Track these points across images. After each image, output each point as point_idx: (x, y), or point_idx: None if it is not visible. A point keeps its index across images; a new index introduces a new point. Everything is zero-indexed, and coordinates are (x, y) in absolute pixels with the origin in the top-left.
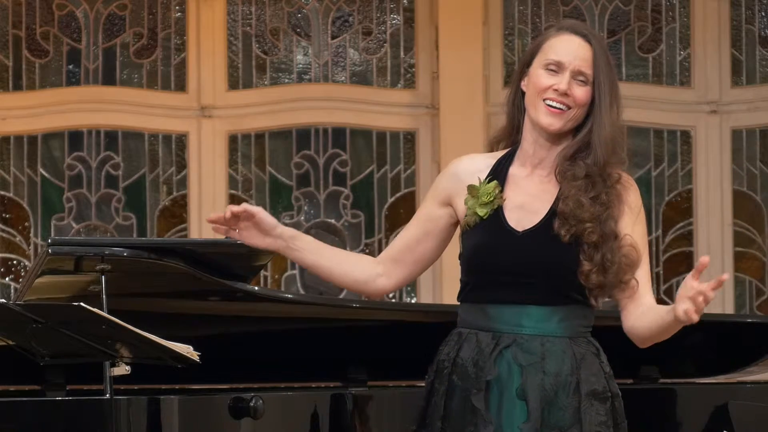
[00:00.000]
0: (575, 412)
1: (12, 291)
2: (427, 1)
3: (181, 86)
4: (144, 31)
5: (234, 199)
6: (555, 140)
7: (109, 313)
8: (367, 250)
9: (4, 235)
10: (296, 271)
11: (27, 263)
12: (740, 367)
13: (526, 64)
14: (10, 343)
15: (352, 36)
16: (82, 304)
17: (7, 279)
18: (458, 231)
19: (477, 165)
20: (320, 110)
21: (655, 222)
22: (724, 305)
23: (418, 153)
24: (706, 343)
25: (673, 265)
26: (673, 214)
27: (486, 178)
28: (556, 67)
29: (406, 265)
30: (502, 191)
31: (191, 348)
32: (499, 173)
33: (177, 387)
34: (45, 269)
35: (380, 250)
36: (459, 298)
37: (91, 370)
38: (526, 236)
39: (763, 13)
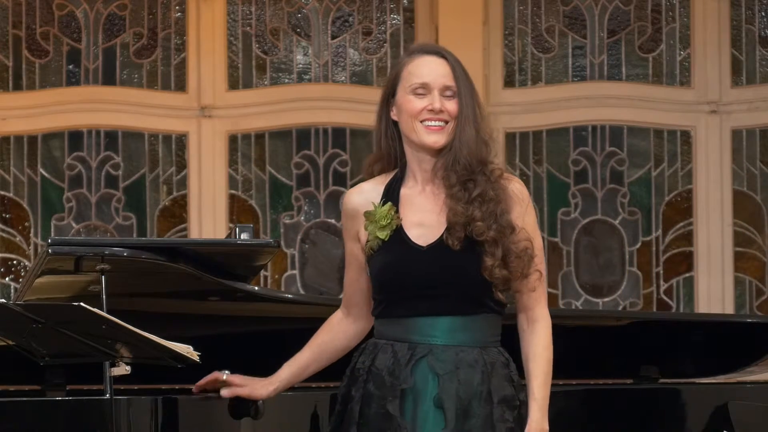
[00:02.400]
0: (487, 419)
1: (12, 291)
2: (427, 1)
3: (181, 86)
4: (144, 31)
5: (234, 199)
6: (437, 155)
7: (109, 313)
8: None
9: (4, 235)
10: (296, 271)
11: (27, 263)
12: (740, 367)
13: (390, 95)
14: (10, 343)
15: (352, 36)
16: (82, 304)
17: (7, 279)
18: None
19: (367, 194)
20: (320, 110)
21: (655, 222)
22: (724, 305)
23: None
24: (706, 343)
25: (673, 265)
26: (673, 214)
27: (380, 202)
28: (424, 90)
29: (364, 302)
30: (397, 212)
31: (191, 348)
32: (391, 195)
33: (177, 387)
34: (45, 269)
35: None
36: (374, 313)
37: (91, 370)
38: (432, 250)
39: (763, 13)
